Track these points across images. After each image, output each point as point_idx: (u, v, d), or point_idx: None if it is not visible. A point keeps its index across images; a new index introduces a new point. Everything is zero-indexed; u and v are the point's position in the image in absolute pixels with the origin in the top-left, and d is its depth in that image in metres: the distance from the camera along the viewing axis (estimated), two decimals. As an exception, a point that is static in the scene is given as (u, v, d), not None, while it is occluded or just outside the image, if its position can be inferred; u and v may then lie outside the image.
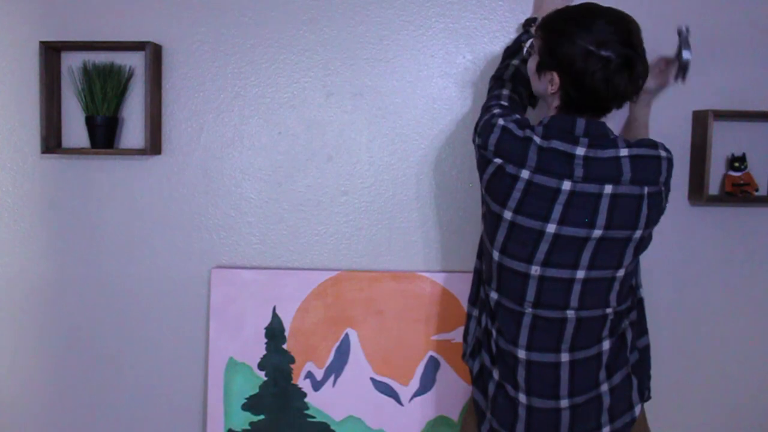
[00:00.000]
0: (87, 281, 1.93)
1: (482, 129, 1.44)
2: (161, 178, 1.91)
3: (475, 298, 1.57)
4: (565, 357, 1.42)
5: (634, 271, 1.49)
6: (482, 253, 1.53)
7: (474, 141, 1.48)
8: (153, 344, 1.94)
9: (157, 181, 1.91)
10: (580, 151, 1.37)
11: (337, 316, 1.88)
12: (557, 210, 1.36)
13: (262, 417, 1.88)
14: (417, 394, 1.89)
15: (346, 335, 1.89)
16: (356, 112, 1.89)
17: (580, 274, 1.38)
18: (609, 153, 1.38)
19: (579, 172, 1.36)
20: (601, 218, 1.36)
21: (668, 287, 1.91)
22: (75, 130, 1.91)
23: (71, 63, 1.89)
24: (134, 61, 1.89)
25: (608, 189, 1.36)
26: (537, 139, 1.38)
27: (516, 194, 1.37)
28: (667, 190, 1.43)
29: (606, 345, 1.43)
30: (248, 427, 1.88)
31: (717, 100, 1.87)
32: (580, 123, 1.38)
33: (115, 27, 1.88)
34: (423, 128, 1.88)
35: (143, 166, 1.91)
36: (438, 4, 1.86)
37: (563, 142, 1.38)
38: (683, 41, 1.56)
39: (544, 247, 1.37)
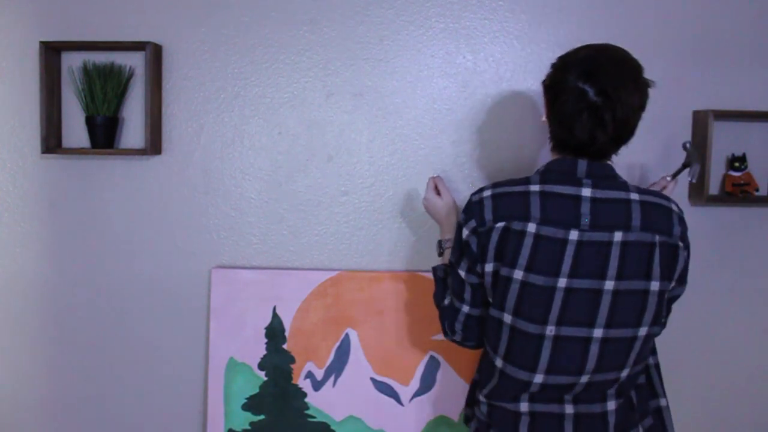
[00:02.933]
0: (87, 281, 1.93)
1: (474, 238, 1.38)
2: (161, 178, 1.91)
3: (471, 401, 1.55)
4: (569, 409, 1.36)
5: (654, 334, 1.38)
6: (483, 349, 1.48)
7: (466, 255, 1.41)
8: (153, 344, 1.94)
9: (157, 181, 1.91)
10: (586, 192, 1.31)
11: (337, 316, 1.88)
12: (567, 263, 1.29)
13: (262, 417, 1.88)
14: (417, 394, 1.89)
15: (346, 335, 1.89)
16: (356, 112, 1.89)
17: (598, 333, 1.30)
18: (618, 195, 1.31)
19: (586, 219, 1.30)
20: (612, 268, 1.29)
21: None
22: (75, 130, 1.91)
23: (71, 63, 1.89)
24: (134, 61, 1.89)
25: (618, 236, 1.29)
26: (535, 187, 1.33)
27: (525, 251, 1.31)
28: (686, 246, 1.35)
29: (611, 405, 1.36)
30: (248, 427, 1.88)
31: (717, 100, 1.87)
32: (582, 164, 1.32)
33: (115, 27, 1.88)
34: (423, 128, 1.88)
35: (143, 166, 1.91)
36: (438, 4, 1.86)
37: (565, 185, 1.32)
38: (691, 156, 1.57)
39: (557, 304, 1.30)
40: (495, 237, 1.34)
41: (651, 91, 1.89)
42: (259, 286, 1.88)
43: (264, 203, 1.91)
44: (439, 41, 1.87)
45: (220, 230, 1.92)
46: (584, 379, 1.32)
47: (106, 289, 1.93)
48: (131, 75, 1.89)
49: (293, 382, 1.89)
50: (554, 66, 1.37)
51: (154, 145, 1.85)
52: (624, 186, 1.33)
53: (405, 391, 1.89)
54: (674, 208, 1.35)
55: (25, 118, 1.90)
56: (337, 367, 1.89)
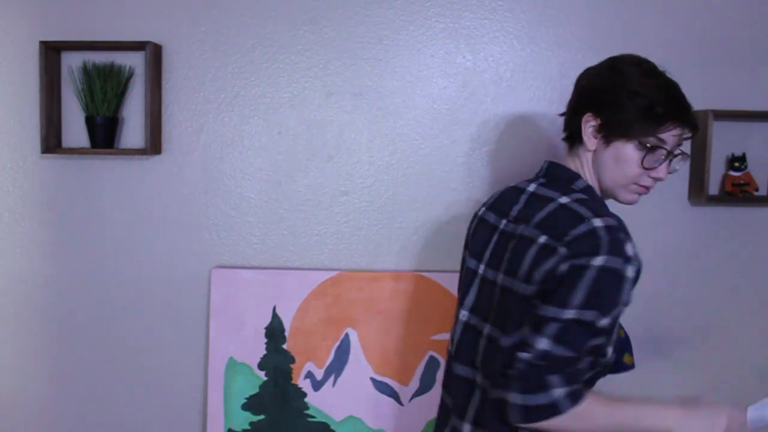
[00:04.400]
0: (87, 281, 1.93)
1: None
2: (161, 178, 1.91)
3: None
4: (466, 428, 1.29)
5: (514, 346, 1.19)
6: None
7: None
8: (153, 344, 1.94)
9: (157, 181, 1.91)
10: (531, 187, 1.31)
11: (337, 316, 1.88)
12: (488, 251, 1.32)
13: (262, 417, 1.88)
14: (417, 394, 1.89)
15: (346, 335, 1.89)
16: (356, 112, 1.89)
17: (463, 314, 1.34)
18: (550, 194, 1.26)
19: (515, 210, 1.29)
20: (505, 261, 1.25)
21: (668, 287, 1.91)
22: (75, 130, 1.91)
23: (71, 63, 1.89)
24: (134, 61, 1.89)
25: (520, 229, 1.24)
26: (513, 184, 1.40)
27: (469, 233, 1.40)
28: (576, 255, 1.14)
29: (466, 428, 1.28)
30: (248, 427, 1.88)
31: (717, 100, 1.87)
32: (545, 163, 1.35)
33: (115, 27, 1.88)
34: (423, 128, 1.88)
35: (143, 166, 1.91)
36: (438, 4, 1.86)
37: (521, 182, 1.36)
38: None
39: (474, 290, 1.34)
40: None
41: (651, 91, 1.89)
42: (259, 286, 1.88)
43: (264, 203, 1.91)
44: (438, 41, 1.87)
45: (220, 230, 1.92)
46: (450, 349, 1.36)
47: (106, 289, 1.93)
48: (131, 75, 1.89)
49: (293, 382, 1.89)
50: (609, 72, 1.35)
51: (154, 145, 1.85)
52: (564, 189, 1.27)
53: (405, 391, 1.89)
54: (592, 220, 1.17)
55: (25, 118, 1.90)
56: (336, 367, 1.89)
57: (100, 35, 1.88)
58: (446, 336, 1.88)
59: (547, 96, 1.88)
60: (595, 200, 1.27)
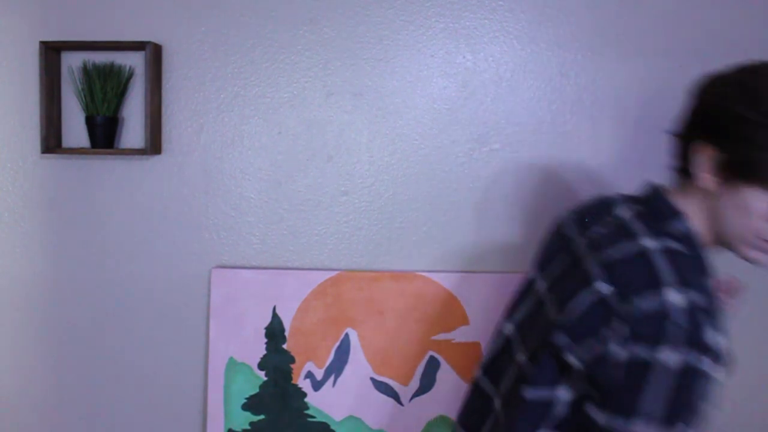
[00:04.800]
0: (87, 281, 1.93)
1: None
2: (161, 178, 1.91)
3: None
4: None
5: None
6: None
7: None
8: (153, 344, 1.94)
9: (157, 181, 1.91)
10: (625, 213, 1.13)
11: (337, 316, 1.88)
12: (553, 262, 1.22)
13: (262, 417, 1.88)
14: (417, 394, 1.89)
15: (346, 335, 1.89)
16: (356, 112, 1.89)
17: (508, 328, 1.21)
18: (636, 227, 1.05)
19: (595, 231, 1.13)
20: (552, 272, 1.16)
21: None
22: (75, 130, 1.91)
23: (71, 63, 1.89)
24: (134, 61, 1.89)
25: (578, 238, 1.12)
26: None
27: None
28: (637, 340, 0.90)
29: None
30: (248, 427, 1.88)
31: (717, 100, 1.87)
32: (649, 187, 1.16)
33: (115, 27, 1.88)
34: (423, 128, 1.88)
35: (143, 166, 1.91)
36: (438, 4, 1.86)
37: None
38: None
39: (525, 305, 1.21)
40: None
41: (651, 91, 1.89)
42: (259, 286, 1.88)
43: (264, 203, 1.91)
44: (438, 41, 1.87)
45: (220, 230, 1.92)
46: (477, 375, 1.27)
47: (106, 289, 1.93)
48: (131, 75, 1.89)
49: (293, 382, 1.89)
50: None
51: (154, 145, 1.85)
52: (657, 230, 1.05)
53: (405, 391, 1.89)
54: (667, 289, 0.91)
55: (25, 118, 1.90)
56: (336, 367, 1.89)
57: (100, 35, 1.88)
58: (446, 336, 1.88)
59: (547, 96, 1.88)
60: (691, 257, 0.99)
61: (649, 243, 0.96)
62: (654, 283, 0.91)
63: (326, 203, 1.91)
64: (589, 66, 1.87)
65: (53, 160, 1.92)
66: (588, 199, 1.21)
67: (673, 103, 1.88)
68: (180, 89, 1.89)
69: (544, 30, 1.87)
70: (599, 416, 0.91)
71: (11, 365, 1.96)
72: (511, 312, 1.20)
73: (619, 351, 0.89)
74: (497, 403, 1.13)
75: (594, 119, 1.88)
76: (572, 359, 0.95)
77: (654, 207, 1.05)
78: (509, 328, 1.18)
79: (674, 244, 0.97)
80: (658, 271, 0.92)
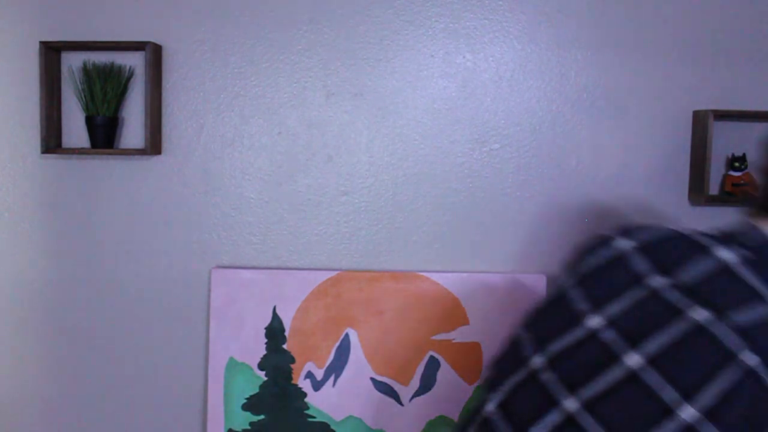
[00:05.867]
0: (87, 281, 1.93)
1: None
2: (161, 178, 1.91)
3: None
4: None
5: None
6: None
7: None
8: (153, 344, 1.94)
9: (157, 181, 1.91)
10: (730, 257, 0.92)
11: (337, 316, 1.88)
12: (619, 304, 0.94)
13: (262, 417, 1.88)
14: (417, 394, 1.89)
15: (346, 335, 1.89)
16: (356, 112, 1.89)
17: (569, 403, 0.89)
18: (758, 286, 0.89)
19: (687, 277, 0.92)
20: (654, 343, 0.88)
21: None
22: (75, 130, 1.91)
23: (71, 63, 1.89)
24: (134, 61, 1.89)
25: (699, 315, 0.87)
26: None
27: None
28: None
29: None
30: (248, 427, 1.88)
31: (717, 100, 1.87)
32: (751, 229, 0.95)
33: (115, 27, 1.88)
34: (423, 128, 1.88)
35: (143, 166, 1.91)
36: (438, 4, 1.86)
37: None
38: None
39: (569, 337, 0.95)
40: None
41: (651, 91, 1.90)
42: (259, 286, 1.88)
43: (264, 203, 1.91)
44: (439, 41, 1.87)
45: (220, 230, 1.92)
46: None
47: (106, 289, 1.93)
48: (131, 75, 1.89)
49: (293, 382, 1.89)
50: None
51: (154, 145, 1.85)
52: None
53: (405, 391, 1.89)
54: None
55: (25, 118, 1.90)
56: (337, 367, 1.89)
57: (100, 35, 1.88)
58: (446, 336, 1.88)
59: (547, 96, 1.88)
60: None
61: None
62: None
63: (326, 203, 1.91)
64: (589, 66, 1.87)
65: (53, 160, 1.92)
66: (654, 230, 0.99)
67: (673, 103, 1.89)
68: (180, 89, 1.89)
69: (544, 30, 1.87)
70: None
71: (11, 365, 1.96)
72: (538, 340, 0.97)
73: None
74: None
75: (594, 119, 1.88)
76: None
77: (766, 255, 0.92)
78: (538, 362, 0.94)
79: None
80: None
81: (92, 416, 1.96)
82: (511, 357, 1.02)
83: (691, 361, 0.83)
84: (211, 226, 1.92)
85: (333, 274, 1.88)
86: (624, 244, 0.97)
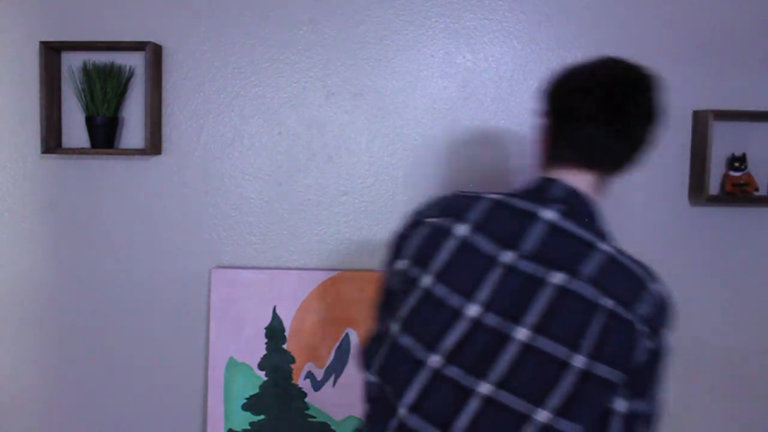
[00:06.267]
0: (87, 281, 1.93)
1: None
2: (161, 178, 1.91)
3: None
4: None
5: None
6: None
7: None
8: (153, 344, 1.94)
9: (157, 181, 1.91)
10: (548, 213, 1.05)
11: (337, 316, 1.88)
12: (485, 288, 1.03)
13: (262, 417, 1.88)
14: (417, 394, 1.89)
15: (346, 335, 1.89)
16: (356, 112, 1.89)
17: (485, 388, 1.01)
18: (584, 235, 1.04)
19: (530, 245, 1.03)
20: (533, 315, 1.00)
21: (668, 287, 1.91)
22: (75, 130, 1.91)
23: (71, 63, 1.89)
24: (134, 61, 1.89)
25: (557, 278, 1.00)
26: (492, 195, 1.10)
27: (443, 255, 1.06)
28: (655, 340, 1.02)
29: None
30: (248, 427, 1.88)
31: (717, 100, 1.87)
32: (557, 185, 1.08)
33: (115, 27, 1.88)
34: (423, 128, 1.88)
35: (143, 166, 1.91)
36: (438, 4, 1.86)
37: (527, 201, 1.08)
38: None
39: (456, 333, 1.03)
40: (421, 231, 1.11)
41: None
42: (259, 286, 1.88)
43: (264, 203, 1.91)
44: (439, 41, 1.87)
45: (220, 230, 1.92)
46: None
47: (106, 289, 1.93)
48: (131, 75, 1.89)
49: (293, 382, 1.89)
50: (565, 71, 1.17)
51: (154, 145, 1.85)
52: (599, 233, 1.06)
53: (405, 391, 1.89)
54: (651, 286, 1.04)
55: (25, 118, 1.90)
56: (337, 367, 1.89)
57: (100, 35, 1.88)
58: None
59: (547, 96, 1.88)
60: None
61: (605, 247, 1.03)
62: (639, 283, 1.02)
63: (326, 203, 1.91)
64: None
65: (53, 160, 1.92)
66: (478, 206, 1.09)
67: (672, 103, 1.88)
68: (180, 89, 1.89)
69: (544, 30, 1.87)
70: (621, 405, 1.00)
71: (11, 364, 1.96)
72: (425, 340, 1.05)
73: (642, 354, 1.00)
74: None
75: (594, 119, 1.88)
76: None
77: (578, 206, 1.07)
78: (436, 360, 1.04)
79: (614, 243, 1.05)
80: (635, 272, 1.03)
81: (92, 416, 1.96)
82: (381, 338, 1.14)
83: (567, 319, 0.99)
84: (211, 226, 1.92)
85: (333, 274, 1.88)
86: (462, 229, 1.07)
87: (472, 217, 1.07)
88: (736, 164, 1.85)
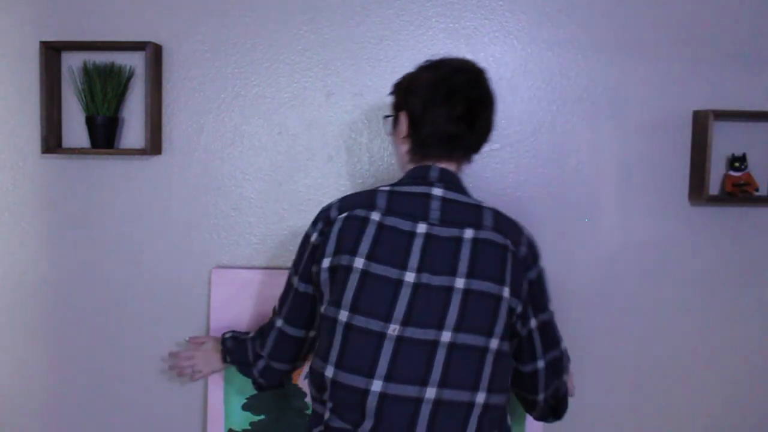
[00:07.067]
0: (87, 281, 1.93)
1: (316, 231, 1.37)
2: (161, 178, 1.91)
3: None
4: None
5: (524, 348, 1.33)
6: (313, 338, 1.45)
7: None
8: (153, 344, 1.94)
9: (157, 181, 1.91)
10: (438, 190, 1.30)
11: (337, 316, 1.88)
12: (414, 256, 1.24)
13: (262, 417, 1.88)
14: (417, 394, 1.89)
15: (346, 335, 1.88)
16: (356, 112, 1.89)
17: (446, 336, 1.20)
18: (469, 200, 1.32)
19: (436, 214, 1.28)
20: (463, 265, 1.23)
21: (668, 287, 1.92)
22: (75, 130, 1.91)
23: (71, 63, 1.89)
24: (134, 61, 1.89)
25: (469, 233, 1.26)
26: (384, 187, 1.34)
27: (367, 240, 1.25)
28: (537, 268, 1.33)
29: None
30: (248, 427, 1.88)
31: (717, 100, 1.87)
32: (434, 169, 1.34)
33: (115, 27, 1.88)
34: (423, 128, 1.88)
35: (143, 166, 1.91)
36: (438, 4, 1.86)
37: (416, 185, 1.32)
38: None
39: (403, 300, 1.22)
40: (337, 227, 1.30)
41: (651, 91, 1.90)
42: (259, 286, 1.88)
43: (264, 203, 1.91)
44: (439, 41, 1.87)
45: (220, 230, 1.92)
46: (430, 393, 1.19)
47: (106, 289, 1.93)
48: (131, 75, 1.89)
49: (293, 382, 1.88)
50: (414, 73, 1.42)
51: (154, 145, 1.85)
52: (476, 199, 1.35)
53: (405, 391, 1.89)
54: (525, 230, 1.34)
55: (25, 118, 1.90)
56: (337, 367, 1.88)
57: (100, 35, 1.88)
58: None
59: (547, 96, 1.88)
60: None
61: (486, 204, 1.34)
62: (516, 223, 1.33)
63: (326, 203, 1.90)
64: (589, 66, 1.87)
65: (53, 160, 1.92)
66: (389, 196, 1.32)
67: (673, 103, 1.89)
68: (180, 89, 1.89)
69: (544, 30, 1.87)
70: (542, 315, 1.34)
71: (11, 364, 1.96)
72: (376, 312, 1.23)
73: (533, 273, 1.31)
74: (481, 396, 1.25)
75: (594, 119, 1.88)
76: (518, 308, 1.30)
77: (454, 182, 1.34)
78: (393, 328, 1.22)
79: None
80: (510, 216, 1.34)
81: (92, 416, 1.96)
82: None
83: (489, 261, 1.25)
84: (211, 226, 1.92)
85: (333, 274, 1.88)
86: (376, 215, 1.29)
87: (380, 204, 1.30)
88: (736, 164, 1.85)
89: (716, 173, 1.90)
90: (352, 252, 1.26)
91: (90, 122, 1.83)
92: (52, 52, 1.85)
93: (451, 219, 1.27)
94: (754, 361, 1.94)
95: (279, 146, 1.90)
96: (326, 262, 1.30)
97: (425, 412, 1.19)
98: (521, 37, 1.87)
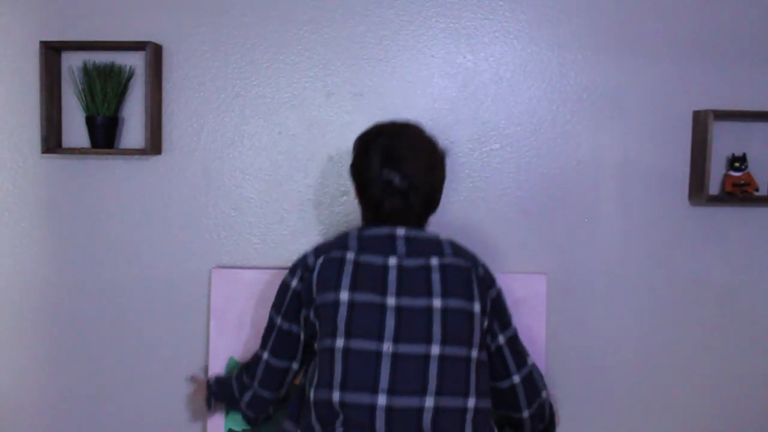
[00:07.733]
0: (87, 281, 1.93)
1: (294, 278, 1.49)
2: (161, 178, 1.91)
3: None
4: None
5: (497, 364, 1.49)
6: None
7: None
8: (153, 344, 1.94)
9: (157, 181, 1.91)
10: (401, 231, 1.44)
11: (337, 316, 1.88)
12: (391, 285, 1.39)
13: (262, 417, 1.88)
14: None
15: (346, 335, 1.88)
16: (356, 112, 1.89)
17: (435, 349, 1.35)
18: (429, 236, 1.46)
19: (402, 249, 1.42)
20: (437, 286, 1.39)
21: (668, 287, 1.92)
22: (75, 130, 1.91)
23: (71, 63, 1.89)
24: (134, 61, 1.89)
25: (435, 260, 1.42)
26: (353, 232, 1.48)
27: (347, 276, 1.40)
28: (495, 287, 1.49)
29: None
30: (248, 427, 1.88)
31: (717, 100, 1.87)
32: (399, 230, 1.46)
33: (115, 27, 1.88)
34: (423, 128, 1.88)
35: (143, 166, 1.91)
36: (438, 4, 1.86)
37: (381, 227, 1.45)
38: None
39: (390, 321, 1.36)
40: (317, 271, 1.44)
41: (651, 91, 1.90)
42: (259, 286, 1.88)
43: (264, 203, 1.91)
44: (438, 41, 1.87)
45: (220, 230, 1.92)
46: (429, 402, 1.33)
47: (106, 289, 1.93)
48: (131, 75, 1.89)
49: (293, 382, 1.88)
50: (357, 151, 1.52)
51: (154, 145, 1.85)
52: (434, 234, 1.48)
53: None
54: (477, 257, 1.49)
55: (25, 118, 1.90)
56: (337, 367, 1.88)
57: (100, 35, 1.88)
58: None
59: (547, 96, 1.88)
60: None
61: (445, 237, 1.50)
62: (466, 250, 1.49)
63: (326, 203, 1.91)
64: (589, 66, 1.87)
65: (53, 160, 1.92)
66: (343, 239, 1.47)
67: (673, 103, 1.89)
68: (180, 89, 1.89)
69: (544, 30, 1.87)
70: (508, 331, 1.50)
71: (11, 364, 1.96)
72: (369, 333, 1.36)
73: (493, 292, 1.47)
74: (472, 401, 1.39)
75: (594, 119, 1.88)
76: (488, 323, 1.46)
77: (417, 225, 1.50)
78: (387, 346, 1.35)
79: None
80: (460, 244, 1.51)
81: (92, 416, 1.96)
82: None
83: (457, 282, 1.41)
84: (211, 226, 1.92)
85: (333, 274, 1.88)
86: (350, 255, 1.43)
87: (352, 245, 1.44)
88: (736, 164, 1.85)
89: (716, 173, 1.90)
90: (336, 288, 1.40)
91: (90, 122, 1.83)
92: (52, 52, 1.85)
93: (416, 251, 1.42)
94: (754, 361, 1.94)
95: (279, 146, 1.90)
96: (315, 303, 1.43)
97: (427, 420, 1.32)
98: (521, 37, 1.87)
